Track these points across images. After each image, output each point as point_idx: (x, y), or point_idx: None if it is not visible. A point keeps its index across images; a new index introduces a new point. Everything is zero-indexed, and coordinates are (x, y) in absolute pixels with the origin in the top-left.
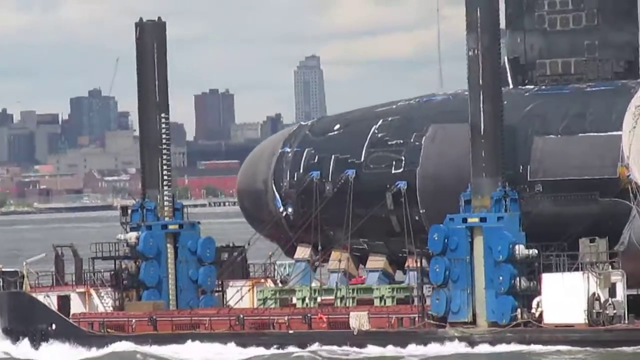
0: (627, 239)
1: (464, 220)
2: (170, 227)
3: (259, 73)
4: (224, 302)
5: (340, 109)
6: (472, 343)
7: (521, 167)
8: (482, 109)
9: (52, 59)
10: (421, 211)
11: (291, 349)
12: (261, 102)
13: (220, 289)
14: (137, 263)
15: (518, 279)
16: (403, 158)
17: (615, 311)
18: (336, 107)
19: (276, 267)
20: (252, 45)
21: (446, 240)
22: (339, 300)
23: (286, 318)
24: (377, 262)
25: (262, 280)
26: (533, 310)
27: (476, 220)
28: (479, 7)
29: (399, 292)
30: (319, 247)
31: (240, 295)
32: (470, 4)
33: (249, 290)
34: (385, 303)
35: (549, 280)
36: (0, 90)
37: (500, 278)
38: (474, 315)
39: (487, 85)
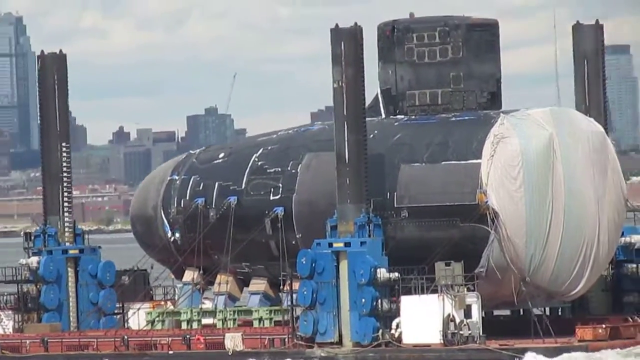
0: (486, 262)
1: (330, 245)
2: (71, 251)
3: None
4: (124, 324)
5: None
6: None
7: (388, 194)
8: (346, 139)
9: (171, 78)
10: (297, 236)
11: None
12: None
13: (122, 311)
14: (38, 287)
15: (380, 301)
16: (280, 185)
17: (470, 332)
18: None
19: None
20: None
21: (313, 264)
22: (220, 322)
23: (168, 339)
24: (258, 285)
25: (162, 303)
26: (393, 331)
27: (341, 245)
28: (343, 42)
29: (276, 314)
30: (200, 271)
31: (137, 317)
32: (334, 38)
33: (148, 313)
34: (263, 324)
35: (407, 302)
36: (119, 108)
37: (363, 300)
38: (340, 335)
39: (351, 116)
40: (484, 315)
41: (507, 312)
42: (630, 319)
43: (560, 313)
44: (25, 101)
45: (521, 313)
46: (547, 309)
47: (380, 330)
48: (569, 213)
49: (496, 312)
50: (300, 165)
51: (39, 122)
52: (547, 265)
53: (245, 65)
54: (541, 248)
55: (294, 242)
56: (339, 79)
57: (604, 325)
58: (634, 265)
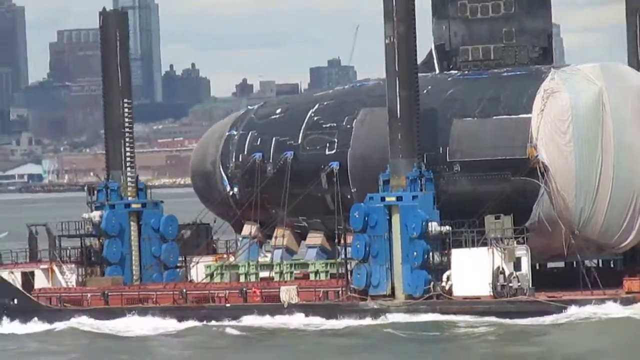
0: (536, 216)
1: (382, 199)
2: (133, 205)
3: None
4: (187, 277)
5: None
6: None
7: (441, 149)
8: (398, 94)
9: (291, 29)
10: (352, 190)
11: (227, 321)
12: None
13: (184, 264)
14: (101, 240)
15: (431, 254)
16: (336, 140)
17: (519, 284)
18: None
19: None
20: None
21: (366, 218)
22: (277, 275)
23: (225, 292)
24: (315, 238)
25: (224, 256)
26: (443, 284)
27: (393, 199)
28: None
29: (332, 267)
30: (258, 225)
31: (197, 270)
32: None
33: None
34: (319, 277)
35: (457, 255)
36: (242, 59)
37: (415, 253)
38: (393, 288)
39: (403, 72)
40: (537, 267)
41: (561, 264)
42: None
43: (612, 265)
44: (148, 53)
45: (574, 265)
46: (599, 261)
47: (432, 283)
48: (618, 166)
49: (550, 265)
50: (355, 121)
51: (162, 74)
52: (597, 218)
53: (366, 19)
54: (591, 201)
55: (349, 197)
56: (391, 35)
57: None
58: None
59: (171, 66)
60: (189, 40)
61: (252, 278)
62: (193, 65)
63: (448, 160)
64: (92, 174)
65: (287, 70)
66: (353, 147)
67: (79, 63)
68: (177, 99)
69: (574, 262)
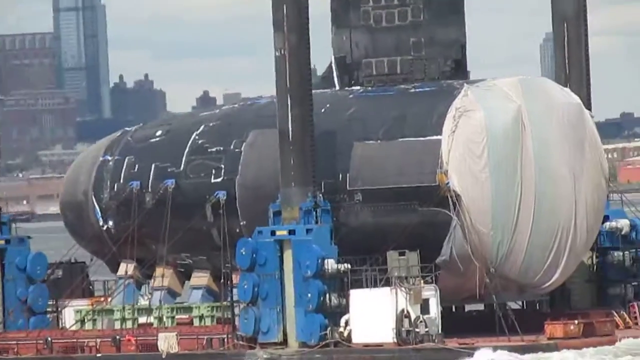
0: (448, 251)
1: (272, 233)
2: None
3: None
4: (59, 324)
5: (605, 87)
6: None
7: (340, 176)
8: (290, 113)
9: (268, 36)
10: (242, 223)
11: None
12: None
13: (55, 309)
14: None
15: (327, 295)
16: (223, 166)
17: (427, 329)
18: (600, 85)
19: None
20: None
21: (254, 255)
22: (157, 321)
23: (95, 341)
24: (200, 278)
25: (102, 299)
26: (341, 329)
27: (284, 233)
28: (285, 4)
29: (219, 311)
30: (136, 264)
31: (65, 316)
32: (275, 1)
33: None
34: (205, 323)
35: (356, 296)
36: (205, 70)
37: (309, 295)
38: (285, 335)
39: (295, 88)
40: (454, 310)
41: (481, 307)
42: (615, 314)
43: (537, 307)
44: (94, 62)
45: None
46: (524, 303)
47: (329, 329)
48: (541, 195)
49: (468, 307)
50: (244, 144)
51: (111, 86)
52: (517, 255)
53: None
54: (509, 235)
55: (238, 230)
56: (281, 47)
57: (575, 321)
58: (620, 254)
59: (121, 77)
60: (143, 48)
61: (129, 324)
62: (146, 76)
63: (348, 188)
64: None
65: (260, 81)
66: (242, 174)
67: (14, 73)
68: (128, 115)
69: (494, 305)
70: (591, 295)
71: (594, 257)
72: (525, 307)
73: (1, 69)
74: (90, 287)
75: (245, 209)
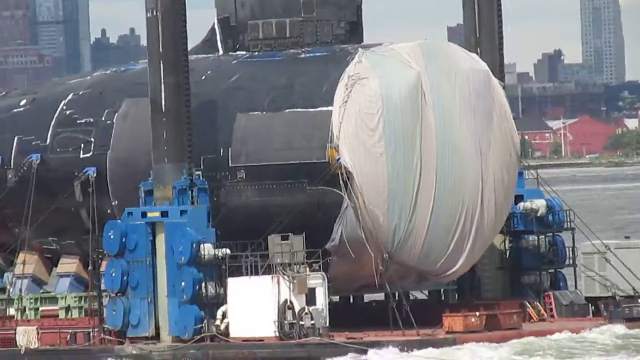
0: (338, 235)
1: (144, 214)
2: None
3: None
4: None
5: None
6: None
7: (222, 151)
8: (162, 81)
9: None
10: (113, 203)
11: None
12: (536, 36)
13: None
14: None
15: (204, 284)
16: (93, 139)
17: (312, 322)
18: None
19: None
20: None
21: (124, 239)
22: (19, 313)
23: None
24: (68, 265)
25: None
26: (218, 322)
27: (156, 214)
28: None
29: (88, 302)
30: None
31: None
32: None
33: None
34: (72, 315)
35: (235, 285)
36: (204, 19)
37: (183, 284)
38: (158, 328)
39: (169, 53)
40: (351, 300)
41: (382, 297)
42: (528, 304)
43: (443, 297)
44: (73, 15)
45: (397, 298)
46: (429, 292)
47: (205, 322)
48: (443, 172)
49: (369, 297)
50: (116, 115)
51: (92, 41)
52: (416, 239)
53: None
54: (407, 217)
55: (109, 211)
56: (153, 7)
57: (477, 313)
58: (535, 238)
59: (103, 31)
60: None
61: None
62: (132, 30)
63: (230, 165)
64: None
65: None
66: (114, 148)
67: None
68: None
69: (397, 294)
70: (503, 284)
71: (507, 241)
72: (429, 297)
73: None
74: None
75: (118, 187)
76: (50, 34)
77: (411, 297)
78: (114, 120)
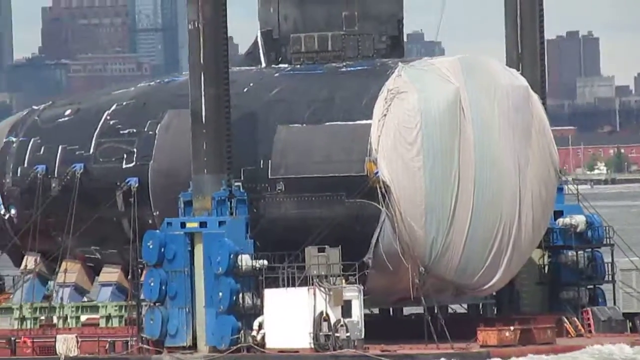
0: (375, 248)
1: (183, 225)
2: None
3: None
4: None
5: None
6: None
7: (262, 163)
8: (203, 93)
9: None
10: (155, 213)
11: None
12: (637, 49)
13: None
14: None
15: (241, 295)
16: (135, 150)
17: (347, 334)
18: None
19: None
20: None
21: (162, 249)
22: (61, 321)
23: None
24: (110, 274)
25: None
26: (254, 333)
27: (195, 225)
28: None
29: (127, 311)
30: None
31: None
32: None
33: None
34: (112, 323)
35: (271, 296)
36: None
37: (220, 294)
38: (195, 338)
39: (210, 65)
40: (391, 313)
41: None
42: (565, 320)
43: (481, 311)
44: (172, 22)
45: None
46: (466, 306)
47: (241, 332)
48: (481, 186)
49: (408, 311)
50: (159, 126)
51: None
52: (453, 252)
53: None
54: (445, 230)
55: (151, 221)
56: (194, 19)
57: (511, 328)
58: (574, 253)
59: None
60: (234, 5)
61: (31, 324)
62: (231, 38)
63: (270, 177)
64: None
65: None
66: (156, 159)
67: (82, 34)
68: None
69: (435, 308)
70: (542, 299)
71: (546, 256)
72: (468, 311)
73: (67, 30)
74: (1, 282)
75: (159, 197)
76: (149, 41)
77: (450, 311)
78: (157, 132)
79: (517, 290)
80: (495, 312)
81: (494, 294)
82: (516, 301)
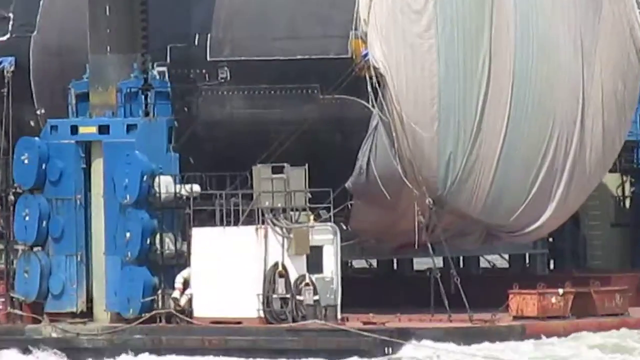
0: (364, 168)
1: (74, 129)
2: None
3: None
4: None
5: None
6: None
7: (197, 37)
8: None
9: None
10: (39, 112)
11: None
12: None
13: None
14: None
15: (159, 236)
16: (11, 15)
17: (316, 297)
18: None
19: None
20: None
21: (44, 167)
22: None
23: None
24: None
25: None
26: (177, 294)
27: (93, 130)
28: None
29: None
30: None
31: None
32: None
33: None
34: None
35: (202, 239)
36: None
37: (128, 235)
38: (90, 300)
39: None
40: (396, 268)
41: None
42: None
43: (527, 265)
44: None
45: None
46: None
47: (159, 293)
48: (523, 79)
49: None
50: None
51: None
52: (480, 177)
53: None
54: (467, 143)
55: (33, 124)
56: None
57: (560, 291)
58: None
59: None
60: None
61: None
62: None
63: (208, 59)
64: None
65: None
66: (41, 29)
67: None
68: None
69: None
70: (621, 249)
71: (627, 184)
72: (510, 265)
73: None
74: None
75: (45, 87)
76: None
77: (486, 265)
78: None
79: (584, 236)
80: (551, 267)
81: (547, 239)
82: (582, 252)
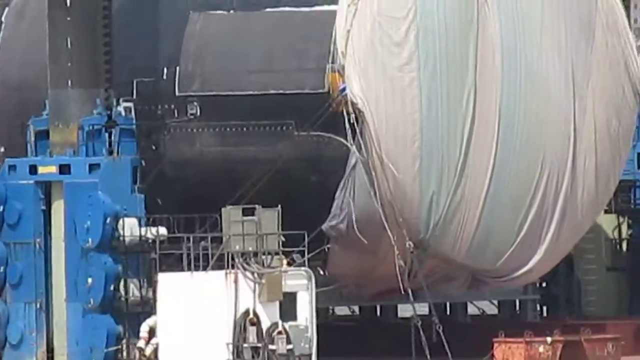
0: (342, 209)
1: (33, 169)
2: None
3: None
4: None
5: None
6: None
7: (165, 71)
8: None
9: None
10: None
11: None
12: None
13: None
14: None
15: (123, 282)
16: None
17: (289, 346)
18: None
19: None
20: None
21: (1, 209)
22: None
23: None
24: None
25: None
26: (142, 344)
27: (53, 169)
28: None
29: None
30: None
31: None
32: None
33: None
34: None
35: (169, 285)
36: None
37: (90, 281)
38: (51, 349)
39: None
40: (379, 315)
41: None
42: None
43: (518, 310)
44: None
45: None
46: (499, 304)
47: (124, 341)
48: (511, 115)
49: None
50: (6, 9)
51: None
52: (465, 219)
53: None
54: (451, 183)
55: None
56: None
57: (548, 339)
58: None
59: None
60: None
61: None
62: None
63: (177, 93)
64: None
65: None
66: (0, 63)
67: None
68: None
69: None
70: (619, 293)
71: (623, 226)
72: (499, 311)
73: None
74: None
75: (3, 124)
76: None
77: (475, 312)
78: (2, 19)
79: (578, 280)
80: (543, 313)
81: (539, 284)
82: (576, 297)
